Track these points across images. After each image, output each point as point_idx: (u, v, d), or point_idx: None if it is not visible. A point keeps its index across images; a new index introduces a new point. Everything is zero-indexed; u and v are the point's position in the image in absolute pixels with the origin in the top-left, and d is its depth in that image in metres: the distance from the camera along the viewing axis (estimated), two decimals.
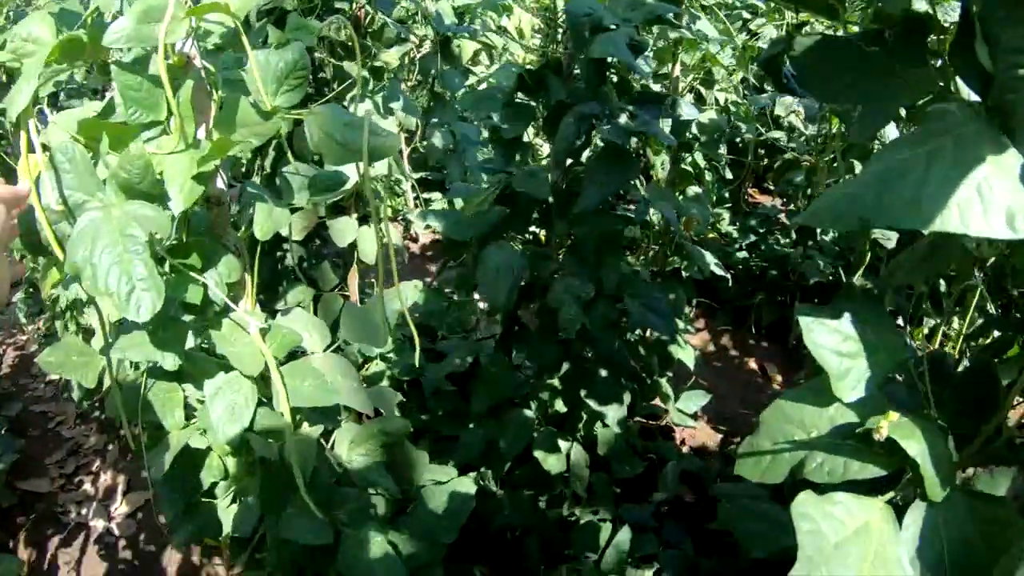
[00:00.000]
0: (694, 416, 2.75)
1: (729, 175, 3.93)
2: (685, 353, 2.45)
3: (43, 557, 3.01)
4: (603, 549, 2.08)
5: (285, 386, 1.10)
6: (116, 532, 3.06)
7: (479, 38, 2.76)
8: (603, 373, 1.80)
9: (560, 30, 1.57)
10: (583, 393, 1.79)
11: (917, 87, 0.79)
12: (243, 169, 2.10)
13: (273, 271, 2.38)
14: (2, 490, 3.19)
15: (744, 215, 4.27)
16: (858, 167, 2.40)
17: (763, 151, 4.42)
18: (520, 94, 1.51)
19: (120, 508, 3.17)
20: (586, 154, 1.62)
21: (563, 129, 1.40)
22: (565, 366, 1.82)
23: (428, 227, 1.54)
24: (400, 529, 1.44)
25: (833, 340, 0.87)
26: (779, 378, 3.61)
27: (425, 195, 4.22)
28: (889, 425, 0.80)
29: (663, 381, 2.54)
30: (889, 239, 2.31)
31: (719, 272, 2.48)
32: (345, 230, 2.15)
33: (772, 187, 5.01)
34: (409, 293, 1.34)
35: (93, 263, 0.89)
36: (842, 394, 0.84)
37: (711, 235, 4.02)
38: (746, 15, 3.51)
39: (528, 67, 1.52)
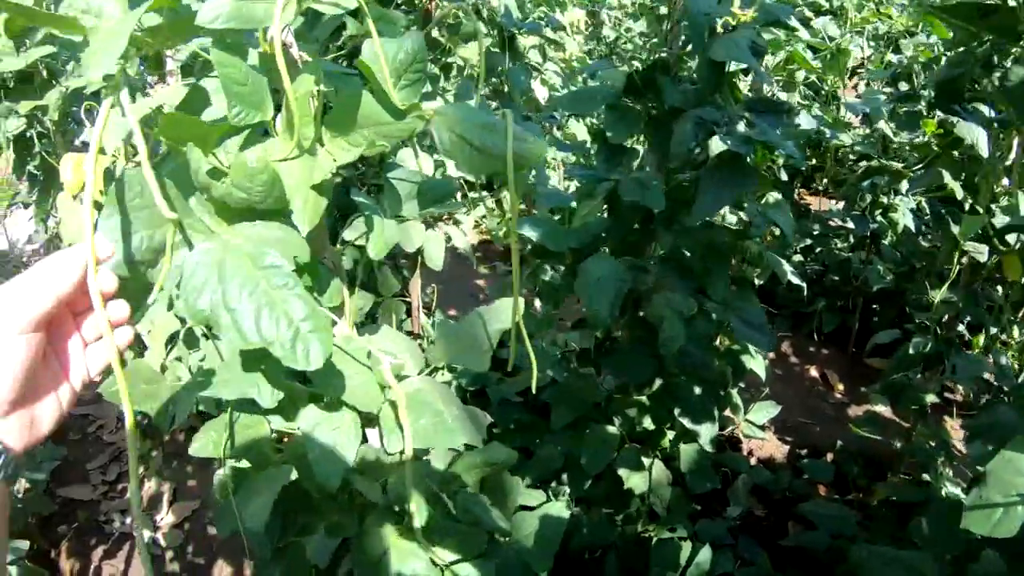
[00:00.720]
0: (762, 427, 2.65)
1: (784, 176, 3.82)
2: (757, 363, 2.35)
3: (87, 568, 2.93)
4: (684, 568, 1.98)
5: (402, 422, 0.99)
6: (162, 543, 2.97)
7: (538, 34, 2.66)
8: (697, 390, 1.70)
9: (667, 29, 1.46)
10: (677, 411, 1.69)
11: None
12: None
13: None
14: (42, 498, 3.10)
15: (797, 217, 4.14)
16: (946, 176, 2.27)
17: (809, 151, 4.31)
18: (625, 96, 1.41)
19: (166, 518, 3.09)
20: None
21: (680, 135, 1.30)
22: (656, 382, 1.72)
23: (528, 239, 1.44)
24: (498, 562, 1.34)
25: None
26: (840, 386, 3.50)
27: (472, 194, 4.12)
28: None
29: (734, 392, 2.43)
30: (981, 252, 2.18)
31: (795, 281, 2.37)
32: (413, 235, 2.06)
33: (820, 188, 4.89)
34: (510, 310, 1.22)
35: (232, 308, 0.74)
36: None
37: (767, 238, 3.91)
38: (808, 12, 3.39)
39: (637, 67, 1.41)
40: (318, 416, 1.04)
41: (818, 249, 3.96)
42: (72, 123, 2.53)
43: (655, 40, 3.71)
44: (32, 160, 2.64)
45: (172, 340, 2.44)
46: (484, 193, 4.07)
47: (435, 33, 2.11)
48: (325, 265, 1.12)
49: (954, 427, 3.15)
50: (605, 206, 1.49)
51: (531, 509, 1.58)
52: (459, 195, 3.73)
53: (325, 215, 0.96)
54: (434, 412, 1.00)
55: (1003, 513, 0.83)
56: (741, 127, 1.38)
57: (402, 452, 1.02)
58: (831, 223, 3.91)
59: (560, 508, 1.54)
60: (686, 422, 1.70)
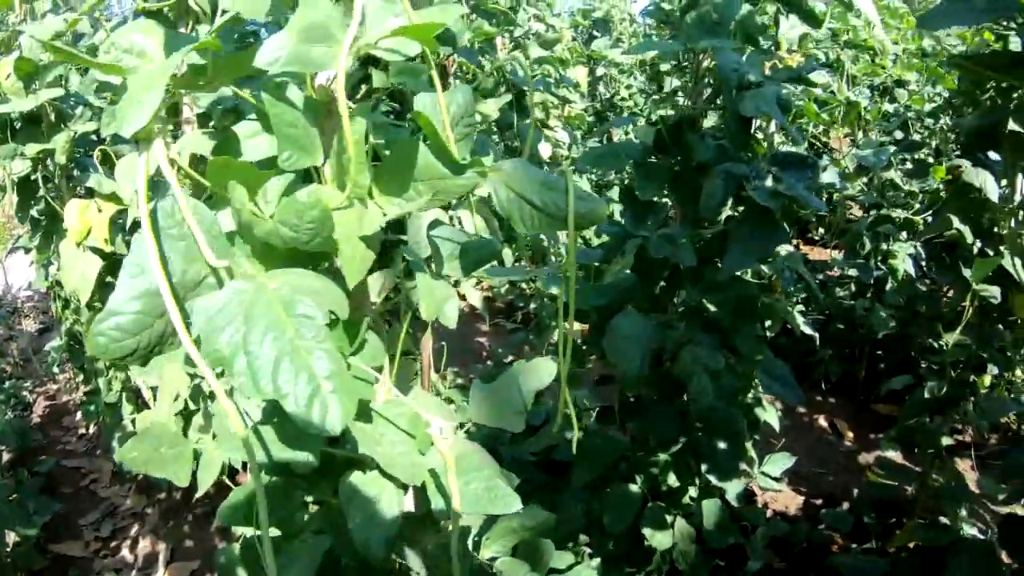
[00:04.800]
0: (777, 479, 2.62)
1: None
2: (770, 415, 2.33)
3: None
4: None
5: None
6: None
7: (541, 92, 2.68)
8: (722, 446, 1.68)
9: (693, 84, 1.47)
10: (704, 468, 1.66)
11: None
12: None
13: None
14: (33, 553, 3.02)
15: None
16: (955, 221, 2.29)
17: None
18: (654, 154, 1.41)
19: None
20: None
21: (709, 190, 1.30)
22: (681, 439, 1.69)
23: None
24: None
25: None
26: (850, 434, 3.48)
27: None
28: None
29: (748, 445, 2.41)
30: (993, 294, 2.19)
31: (807, 331, 2.36)
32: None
33: (815, 237, 4.92)
34: (546, 370, 1.20)
35: (251, 352, 0.68)
36: None
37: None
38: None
39: (664, 122, 1.41)
40: (359, 482, 0.99)
41: (818, 299, 3.96)
42: (76, 169, 2.51)
43: (655, 97, 3.76)
44: (36, 204, 2.60)
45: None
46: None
47: None
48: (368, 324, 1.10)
49: (965, 467, 3.15)
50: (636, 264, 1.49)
51: (560, 572, 1.53)
52: None
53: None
54: (486, 476, 0.96)
55: None
56: (768, 182, 1.38)
57: (447, 519, 0.98)
58: (832, 272, 3.92)
59: (590, 573, 1.51)
60: (713, 478, 1.67)
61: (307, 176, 0.87)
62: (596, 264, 1.53)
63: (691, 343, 1.50)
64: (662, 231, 1.40)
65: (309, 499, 1.12)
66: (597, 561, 1.61)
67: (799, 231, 4.98)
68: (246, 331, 0.69)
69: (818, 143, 3.74)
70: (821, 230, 4.62)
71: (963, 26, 2.80)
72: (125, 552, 3.22)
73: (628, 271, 1.48)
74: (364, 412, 1.00)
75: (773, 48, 1.96)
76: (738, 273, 1.60)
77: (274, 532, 1.09)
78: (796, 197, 1.37)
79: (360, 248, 0.79)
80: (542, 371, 1.20)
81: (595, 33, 5.35)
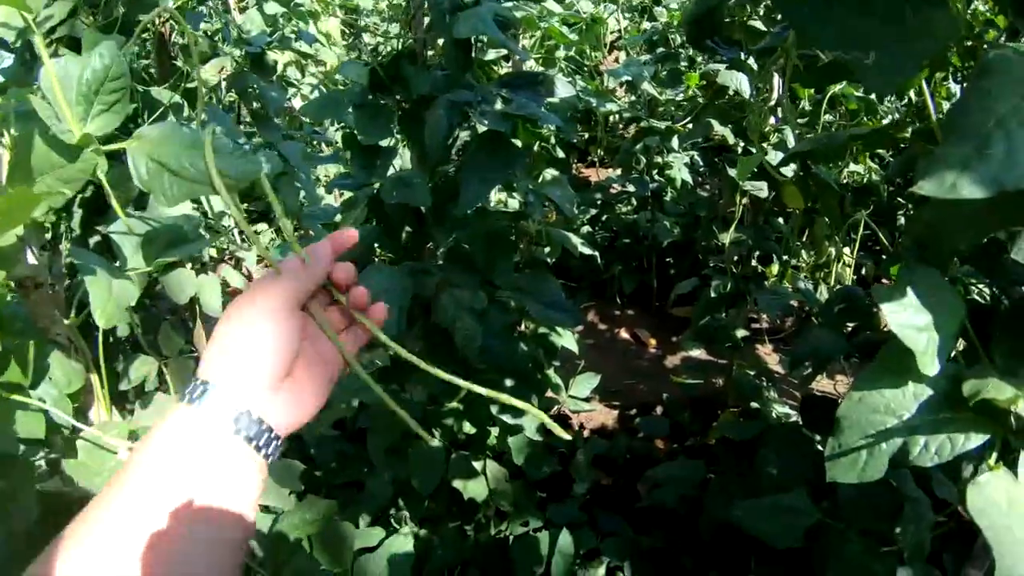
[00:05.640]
0: (587, 399, 2.67)
1: (560, 153, 3.89)
2: (567, 339, 2.35)
3: None
4: (548, 559, 1.94)
5: None
6: None
7: (289, 48, 2.53)
8: (509, 383, 1.65)
9: (410, 14, 1.39)
10: (495, 410, 1.63)
11: (940, 32, 0.72)
12: (48, 236, 1.78)
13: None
14: None
15: (578, 190, 4.23)
16: (715, 124, 2.36)
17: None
18: (372, 94, 1.32)
19: None
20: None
21: (433, 124, 1.23)
22: None
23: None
24: None
25: (911, 317, 0.80)
26: (653, 341, 3.60)
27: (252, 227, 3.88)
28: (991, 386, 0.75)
29: (551, 372, 2.42)
30: (760, 189, 2.28)
31: (586, 251, 2.39)
32: (183, 283, 1.88)
33: (595, 160, 5.03)
34: None
35: None
36: (926, 369, 0.79)
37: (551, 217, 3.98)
38: None
39: (380, 61, 1.33)
40: None
41: (604, 217, 4.05)
42: None
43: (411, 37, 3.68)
44: None
45: None
46: (262, 225, 3.86)
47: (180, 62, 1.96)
48: (58, 343, 0.97)
49: (767, 352, 3.33)
50: (374, 215, 1.41)
51: (373, 549, 1.47)
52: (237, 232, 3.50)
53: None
54: None
55: (867, 456, 0.83)
56: (498, 105, 1.34)
57: None
58: (612, 190, 4.01)
59: (404, 542, 1.46)
60: (507, 418, 1.65)
61: None
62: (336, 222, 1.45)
63: (451, 286, 1.44)
64: (395, 174, 1.33)
65: None
66: (411, 525, 1.56)
67: (579, 155, 5.06)
68: None
69: (581, 65, 3.78)
70: (600, 151, 4.71)
71: None
72: None
73: (374, 223, 1.40)
74: (69, 446, 0.89)
75: None
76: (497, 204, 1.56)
77: None
78: (528, 116, 1.33)
79: None
80: None
81: None
